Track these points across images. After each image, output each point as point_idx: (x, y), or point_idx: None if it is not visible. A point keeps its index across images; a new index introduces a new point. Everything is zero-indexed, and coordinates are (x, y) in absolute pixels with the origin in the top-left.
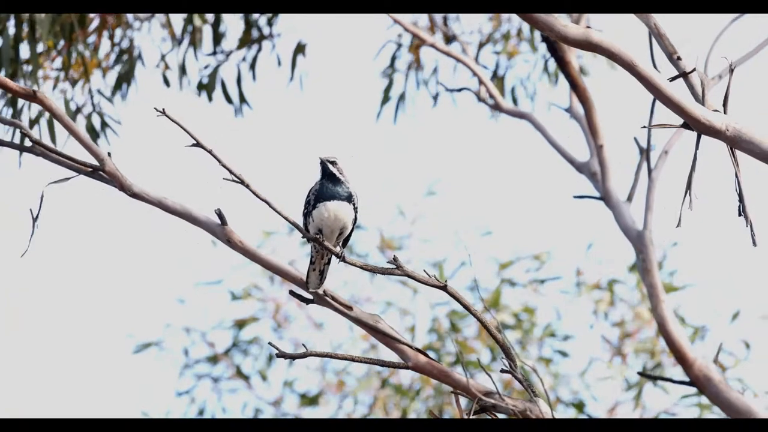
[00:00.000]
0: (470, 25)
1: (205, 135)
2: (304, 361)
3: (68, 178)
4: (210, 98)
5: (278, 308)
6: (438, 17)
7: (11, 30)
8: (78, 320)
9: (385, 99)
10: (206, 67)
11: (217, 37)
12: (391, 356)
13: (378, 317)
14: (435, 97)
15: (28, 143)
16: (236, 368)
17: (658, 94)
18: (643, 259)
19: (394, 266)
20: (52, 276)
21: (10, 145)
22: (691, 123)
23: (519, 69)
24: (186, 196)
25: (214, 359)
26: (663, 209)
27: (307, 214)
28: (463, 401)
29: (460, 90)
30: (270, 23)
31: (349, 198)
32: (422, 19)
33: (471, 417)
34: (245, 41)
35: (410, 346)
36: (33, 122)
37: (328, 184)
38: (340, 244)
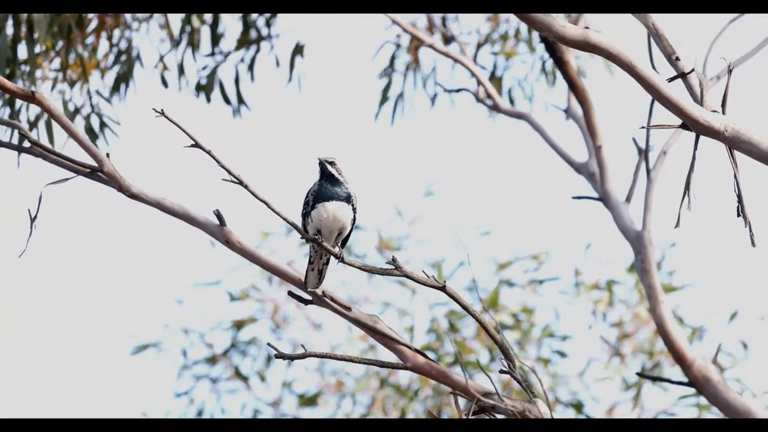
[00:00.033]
0: (469, 25)
1: (204, 136)
2: (302, 361)
3: (67, 179)
4: (208, 99)
5: (277, 309)
6: (437, 18)
7: (9, 30)
8: (77, 321)
9: (384, 99)
10: (204, 68)
11: (216, 38)
12: (390, 357)
13: (377, 318)
14: (433, 98)
15: (26, 144)
16: (235, 369)
17: (657, 95)
18: (641, 259)
19: (393, 267)
20: (51, 276)
21: (8, 146)
22: (689, 123)
23: (516, 70)
24: (184, 196)
25: (212, 360)
26: (662, 210)
27: (305, 215)
28: (462, 402)
29: (458, 91)
30: (268, 24)
31: (347, 198)
32: (421, 19)
33: (470, 417)
34: (243, 42)
35: (409, 347)
36: (32, 124)
37: (327, 185)
38: (339, 244)
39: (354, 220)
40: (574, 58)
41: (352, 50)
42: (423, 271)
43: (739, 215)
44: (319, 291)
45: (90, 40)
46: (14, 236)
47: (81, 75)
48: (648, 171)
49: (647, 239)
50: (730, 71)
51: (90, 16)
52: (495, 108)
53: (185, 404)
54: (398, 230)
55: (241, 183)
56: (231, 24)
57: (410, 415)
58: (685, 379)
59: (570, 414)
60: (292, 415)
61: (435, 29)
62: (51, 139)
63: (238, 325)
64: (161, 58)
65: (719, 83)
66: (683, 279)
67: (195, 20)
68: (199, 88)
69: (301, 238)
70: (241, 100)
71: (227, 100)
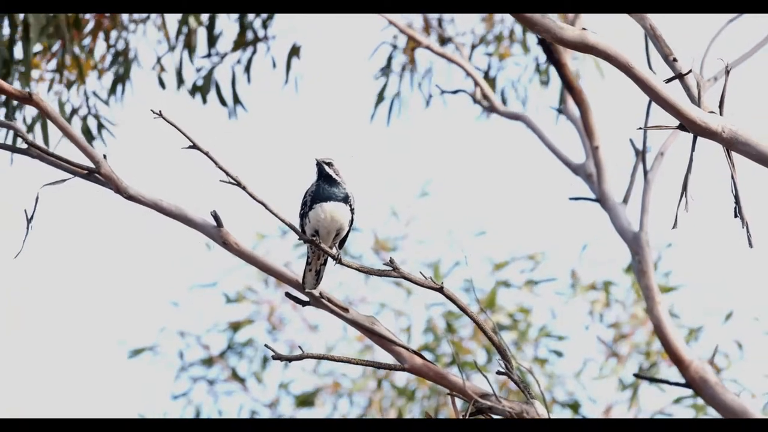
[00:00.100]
0: (464, 26)
1: (201, 137)
2: (299, 363)
3: (64, 180)
4: (204, 100)
5: (273, 310)
6: (433, 18)
7: (5, 30)
8: (74, 322)
9: (380, 100)
10: (200, 70)
11: (212, 40)
12: (387, 358)
13: (374, 319)
14: (428, 99)
15: (23, 145)
16: (232, 371)
17: (654, 96)
18: (638, 260)
19: (391, 268)
20: (49, 277)
21: (5, 147)
22: (687, 124)
23: (510, 71)
24: (181, 198)
25: (209, 362)
26: (659, 211)
27: (303, 216)
28: (459, 403)
29: (456, 92)
30: (265, 25)
31: (345, 199)
32: (417, 20)
33: (468, 418)
34: (240, 43)
35: (406, 348)
36: (29, 126)
37: (325, 186)
38: (337, 245)
39: (352, 221)
40: (571, 59)
41: (348, 51)
42: (420, 272)
43: (736, 216)
44: (316, 292)
45: (87, 41)
46: (13, 236)
47: (78, 76)
48: (645, 172)
49: (644, 240)
50: (727, 72)
51: (87, 17)
52: (492, 109)
53: (182, 406)
54: (394, 231)
55: (239, 184)
56: (227, 25)
57: (407, 416)
58: (682, 380)
59: (567, 414)
60: (289, 417)
61: (431, 30)
62: (46, 140)
63: (235, 326)
64: (158, 60)
65: (717, 84)
66: (679, 279)
67: (192, 21)
68: (195, 89)
69: (299, 238)
70: (237, 102)
71: (223, 102)
